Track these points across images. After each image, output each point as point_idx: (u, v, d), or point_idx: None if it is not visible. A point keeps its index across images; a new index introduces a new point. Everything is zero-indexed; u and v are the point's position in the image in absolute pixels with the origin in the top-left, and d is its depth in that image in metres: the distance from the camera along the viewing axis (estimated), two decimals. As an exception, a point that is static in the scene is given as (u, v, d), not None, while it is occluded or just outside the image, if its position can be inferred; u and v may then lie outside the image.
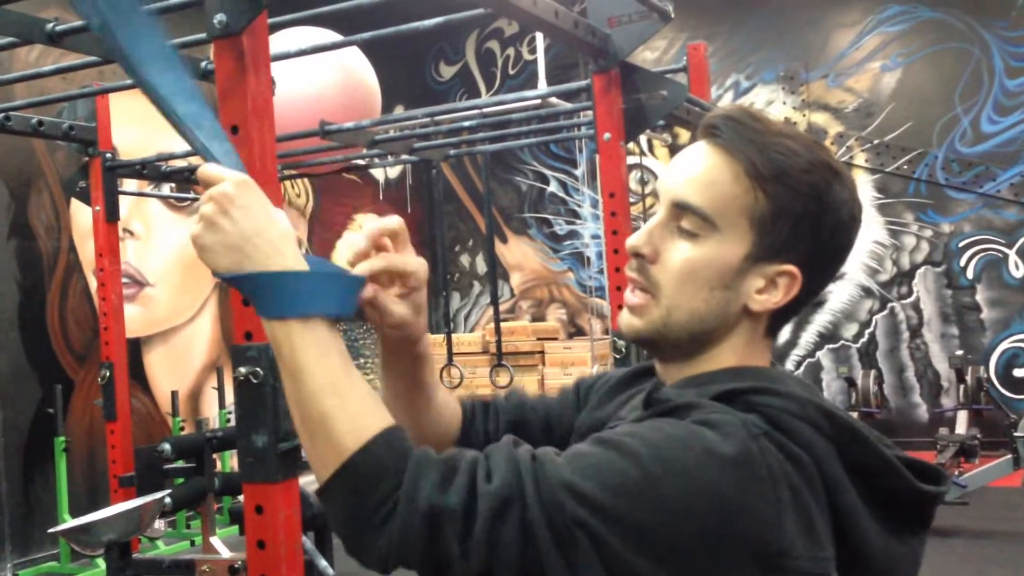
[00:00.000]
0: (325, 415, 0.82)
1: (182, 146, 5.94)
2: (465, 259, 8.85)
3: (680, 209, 0.88)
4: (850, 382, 6.89)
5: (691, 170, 0.89)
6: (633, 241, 0.90)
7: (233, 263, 0.85)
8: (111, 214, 3.67)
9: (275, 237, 0.85)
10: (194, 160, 4.50)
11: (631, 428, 0.82)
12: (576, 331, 8.23)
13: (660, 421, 0.82)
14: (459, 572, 0.78)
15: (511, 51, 8.56)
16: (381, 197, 8.38)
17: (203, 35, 2.34)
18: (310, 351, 0.83)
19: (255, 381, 1.46)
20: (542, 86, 4.98)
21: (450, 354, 4.83)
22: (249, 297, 0.86)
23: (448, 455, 0.82)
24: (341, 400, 0.82)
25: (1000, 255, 7.02)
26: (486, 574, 0.77)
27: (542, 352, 7.52)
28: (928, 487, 0.85)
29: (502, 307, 8.11)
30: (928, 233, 7.20)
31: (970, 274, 7.10)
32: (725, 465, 0.76)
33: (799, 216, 0.85)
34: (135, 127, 5.81)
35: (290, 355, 0.84)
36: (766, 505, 0.76)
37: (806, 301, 0.90)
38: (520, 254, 8.65)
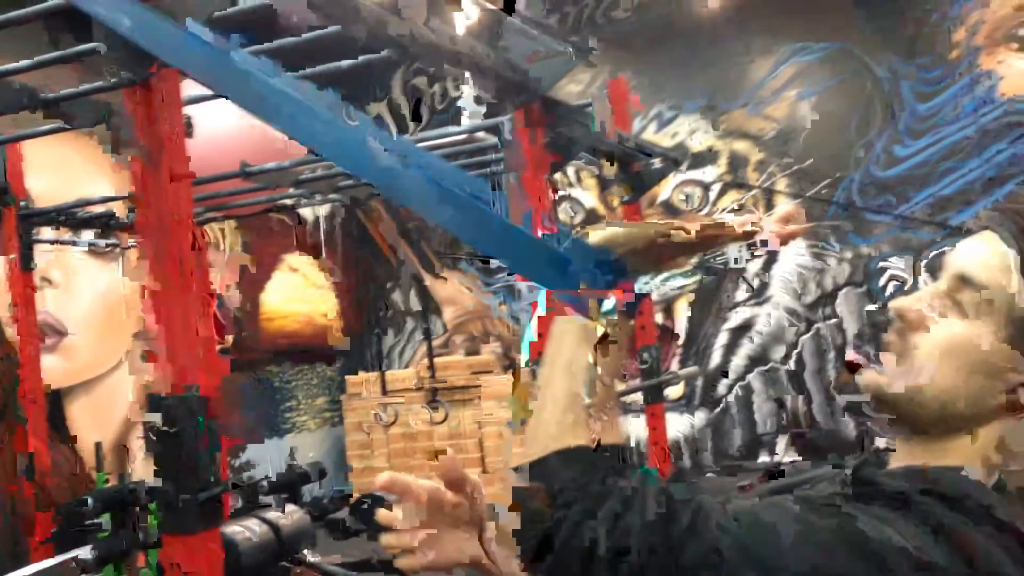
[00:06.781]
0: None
1: (100, 191, 5.79)
2: (398, 295, 8.79)
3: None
4: (780, 403, 7.02)
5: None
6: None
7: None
8: (26, 263, 3.54)
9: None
10: (113, 206, 4.39)
11: None
12: (511, 364, 8.22)
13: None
14: None
15: (437, 88, 8.60)
16: (310, 236, 8.29)
17: (113, 81, 2.30)
18: None
19: (170, 430, 1.42)
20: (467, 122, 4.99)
21: (384, 391, 4.78)
22: None
23: None
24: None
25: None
26: None
27: (478, 386, 7.48)
28: None
29: (436, 342, 8.07)
30: (849, 255, 7.40)
31: (888, 293, 7.31)
32: None
33: None
34: (51, 174, 5.67)
35: None
36: None
37: None
38: (452, 288, 8.64)
